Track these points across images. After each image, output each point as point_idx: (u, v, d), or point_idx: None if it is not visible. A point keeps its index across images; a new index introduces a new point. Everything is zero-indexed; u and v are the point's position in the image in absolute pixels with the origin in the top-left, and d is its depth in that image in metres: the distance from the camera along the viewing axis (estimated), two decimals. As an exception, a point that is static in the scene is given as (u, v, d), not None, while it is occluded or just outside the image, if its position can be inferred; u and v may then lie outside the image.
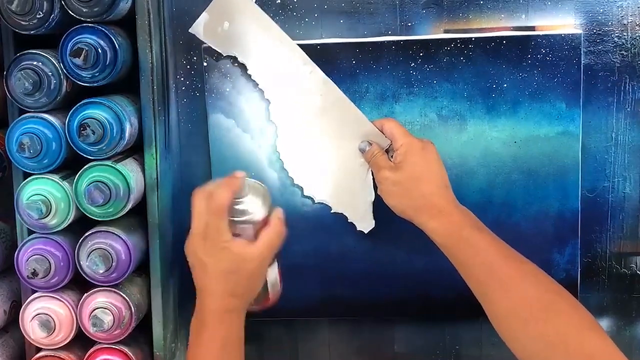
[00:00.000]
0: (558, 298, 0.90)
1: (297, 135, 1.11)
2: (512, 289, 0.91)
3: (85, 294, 1.08)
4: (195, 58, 1.13)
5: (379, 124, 1.05)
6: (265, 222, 0.93)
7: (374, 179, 1.06)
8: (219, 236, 0.89)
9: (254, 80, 1.10)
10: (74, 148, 1.04)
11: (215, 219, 0.90)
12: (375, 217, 1.10)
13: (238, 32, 1.08)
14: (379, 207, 1.08)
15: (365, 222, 1.11)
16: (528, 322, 0.88)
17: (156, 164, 1.09)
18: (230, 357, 0.91)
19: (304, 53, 1.08)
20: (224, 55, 1.09)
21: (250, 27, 1.07)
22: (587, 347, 0.85)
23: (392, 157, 1.02)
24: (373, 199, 1.09)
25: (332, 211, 1.12)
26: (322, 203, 1.12)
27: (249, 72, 1.09)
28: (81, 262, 1.06)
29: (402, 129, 1.02)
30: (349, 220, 1.12)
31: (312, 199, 1.12)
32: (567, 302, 0.90)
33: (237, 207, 0.91)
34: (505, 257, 0.93)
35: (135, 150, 1.10)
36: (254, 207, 0.92)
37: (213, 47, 1.09)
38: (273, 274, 0.96)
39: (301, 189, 1.12)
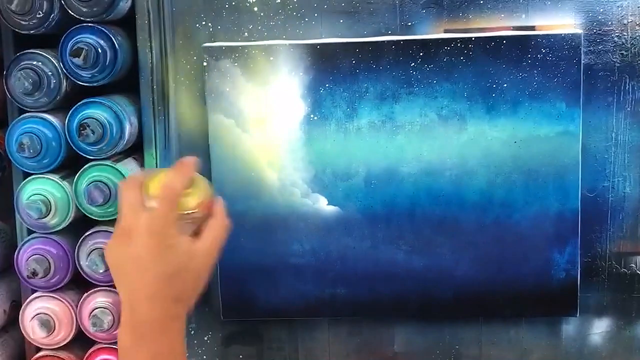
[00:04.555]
0: None
1: None
2: None
3: (85, 294, 1.08)
4: (195, 58, 1.13)
5: None
6: (208, 215, 0.78)
7: None
8: (166, 231, 0.74)
9: None
10: (74, 148, 1.04)
11: (166, 211, 0.74)
12: (375, 217, 1.10)
13: None
14: (379, 206, 1.08)
15: None
16: None
17: (156, 163, 1.09)
18: None
19: None
20: None
21: None
22: None
23: None
24: None
25: None
26: None
27: None
28: (81, 262, 1.06)
29: None
30: None
31: None
32: None
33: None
34: None
35: (135, 150, 1.10)
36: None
37: None
38: None
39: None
